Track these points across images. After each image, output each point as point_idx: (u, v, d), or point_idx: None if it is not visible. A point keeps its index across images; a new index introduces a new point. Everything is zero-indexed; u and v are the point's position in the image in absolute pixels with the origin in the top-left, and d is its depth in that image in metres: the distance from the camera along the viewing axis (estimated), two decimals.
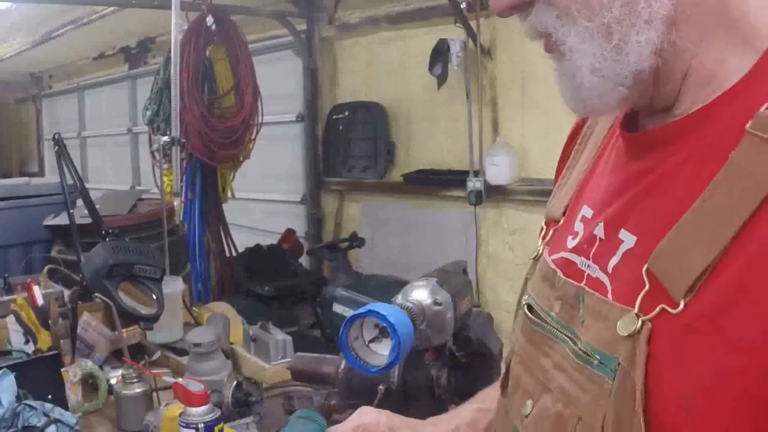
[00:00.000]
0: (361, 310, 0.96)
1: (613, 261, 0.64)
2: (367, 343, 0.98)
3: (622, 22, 0.60)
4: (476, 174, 3.85)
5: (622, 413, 0.58)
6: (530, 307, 0.76)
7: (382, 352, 0.98)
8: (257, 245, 4.64)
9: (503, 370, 0.82)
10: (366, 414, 1.01)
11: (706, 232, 0.55)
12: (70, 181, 2.32)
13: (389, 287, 3.33)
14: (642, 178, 0.65)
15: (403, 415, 1.03)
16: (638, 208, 0.64)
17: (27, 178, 4.03)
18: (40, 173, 8.57)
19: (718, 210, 0.55)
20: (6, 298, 2.18)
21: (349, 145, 4.79)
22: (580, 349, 0.64)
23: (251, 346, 2.05)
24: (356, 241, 4.25)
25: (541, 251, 0.80)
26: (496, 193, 3.82)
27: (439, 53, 3.82)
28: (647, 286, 0.59)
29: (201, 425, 1.29)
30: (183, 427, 1.31)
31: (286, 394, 1.74)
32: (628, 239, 0.64)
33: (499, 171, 3.75)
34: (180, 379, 1.40)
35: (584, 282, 0.67)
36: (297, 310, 4.28)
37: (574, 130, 0.88)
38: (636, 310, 0.58)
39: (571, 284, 0.69)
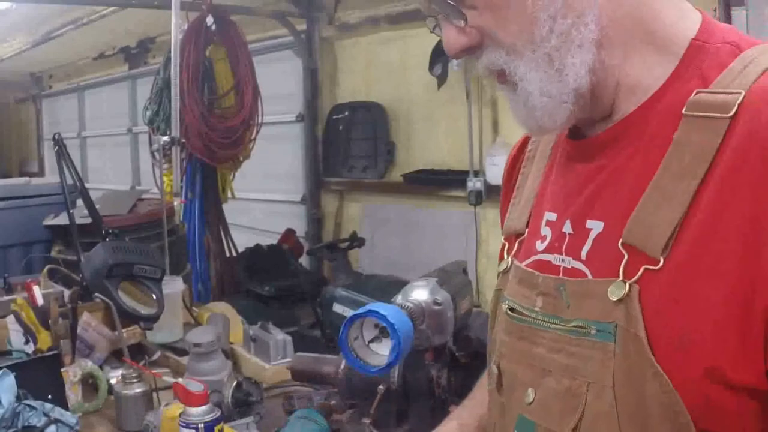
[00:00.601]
0: (361, 310, 0.96)
1: (586, 248, 0.74)
2: (367, 343, 0.98)
3: (560, 49, 0.71)
4: (476, 174, 3.85)
5: (632, 365, 0.66)
6: (512, 309, 0.82)
7: (382, 352, 0.98)
8: (257, 245, 4.64)
9: (494, 373, 0.86)
10: None
11: (669, 199, 0.66)
12: (70, 181, 2.32)
13: (389, 287, 3.33)
14: (597, 175, 0.75)
15: (403, 415, 1.04)
16: (599, 199, 0.74)
17: (27, 178, 4.03)
18: (40, 173, 8.57)
19: (675, 179, 0.67)
20: (6, 298, 2.18)
21: (349, 145, 4.79)
22: (573, 326, 0.72)
23: (251, 346, 2.05)
24: (356, 241, 4.25)
25: (510, 263, 0.88)
26: (496, 193, 3.82)
27: (439, 53, 3.82)
28: (626, 257, 0.68)
29: (201, 425, 1.30)
30: (183, 427, 1.31)
31: (286, 394, 1.74)
32: (595, 226, 0.73)
33: (499, 171, 3.70)
34: (180, 379, 1.40)
35: (561, 274, 0.76)
36: (297, 310, 4.28)
37: (514, 157, 0.99)
38: (621, 277, 0.68)
39: (550, 278, 0.77)
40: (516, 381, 0.81)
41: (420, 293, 1.15)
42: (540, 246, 0.81)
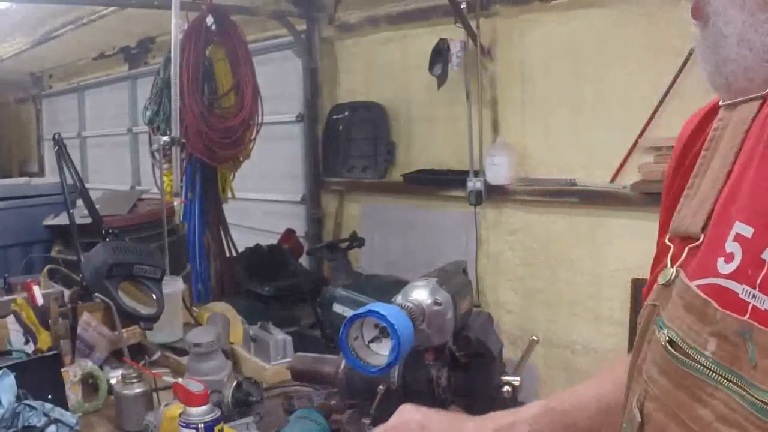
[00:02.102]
0: (361, 310, 0.96)
1: None
2: (367, 343, 0.98)
3: None
4: (476, 174, 3.85)
5: None
6: (672, 342, 0.63)
7: (382, 352, 0.98)
8: (257, 245, 4.64)
9: (635, 419, 0.68)
10: (404, 413, 0.96)
11: None
12: (70, 181, 2.32)
13: (389, 287, 3.33)
14: None
15: None
16: None
17: (27, 178, 4.04)
18: (40, 173, 8.57)
19: None
20: (6, 298, 2.18)
21: (349, 145, 4.79)
22: (758, 399, 0.53)
23: (251, 346, 2.05)
24: (356, 241, 4.25)
25: (674, 276, 0.66)
26: (496, 193, 3.82)
27: (439, 53, 3.82)
28: None
29: (201, 425, 1.29)
30: (183, 427, 1.31)
31: (286, 394, 1.74)
32: None
33: (499, 171, 3.75)
34: (180, 379, 1.40)
35: (748, 315, 0.56)
36: (297, 310, 4.28)
37: (694, 132, 0.74)
38: None
39: (732, 318, 0.57)
40: None
41: (420, 293, 1.14)
42: (724, 268, 0.60)
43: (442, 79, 3.86)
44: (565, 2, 3.43)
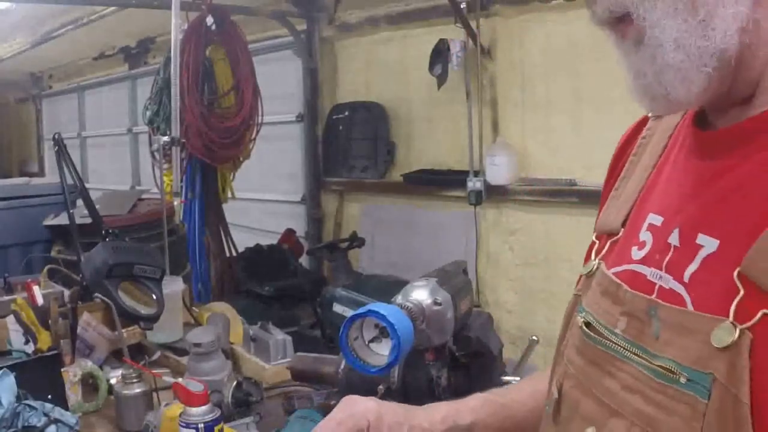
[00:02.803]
0: (361, 310, 0.96)
1: (691, 269, 0.60)
2: (367, 343, 0.98)
3: None
4: (476, 174, 3.85)
5: None
6: (588, 324, 0.70)
7: (382, 352, 0.98)
8: (257, 245, 4.64)
9: (553, 396, 0.74)
10: (353, 404, 0.92)
11: None
12: (70, 181, 2.32)
13: (389, 287, 3.32)
14: (719, 179, 0.60)
15: None
16: (717, 210, 0.59)
17: (27, 178, 4.04)
18: (40, 173, 8.57)
19: None
20: (6, 298, 2.18)
21: (349, 145, 4.79)
22: (659, 366, 0.59)
23: (251, 346, 2.05)
24: (356, 241, 4.25)
25: (596, 266, 0.74)
26: (496, 193, 3.82)
27: (439, 53, 3.82)
28: (741, 292, 0.54)
29: (201, 425, 1.29)
30: (183, 427, 1.31)
31: (286, 394, 1.74)
32: (708, 244, 0.59)
33: (499, 171, 3.75)
34: (180, 379, 1.40)
35: (655, 294, 0.62)
36: (297, 310, 4.29)
37: (626, 141, 0.82)
38: (731, 318, 0.54)
39: (640, 297, 0.63)
40: (577, 413, 0.69)
41: (420, 293, 1.14)
42: (636, 254, 0.67)
43: (442, 79, 3.86)
44: (564, 2, 3.43)
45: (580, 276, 0.78)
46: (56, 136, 2.30)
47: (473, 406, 0.93)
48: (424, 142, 4.36)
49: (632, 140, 0.80)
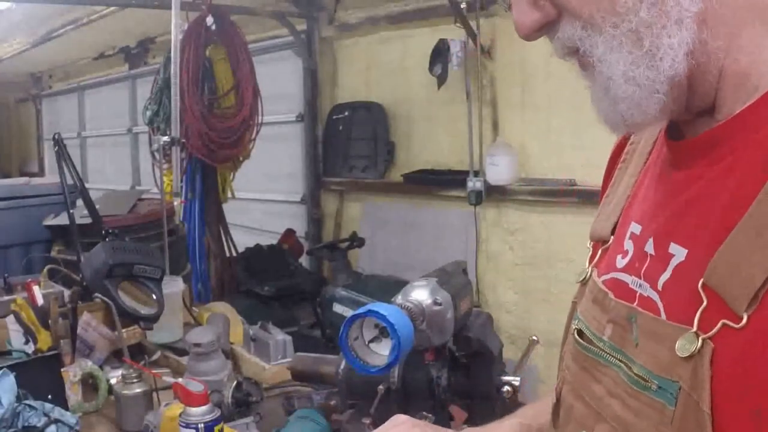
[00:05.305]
0: (361, 310, 0.96)
1: (664, 277, 0.61)
2: (367, 343, 0.98)
3: (651, 26, 0.57)
4: (476, 174, 3.85)
5: None
6: (580, 332, 0.72)
7: (382, 352, 0.98)
8: (257, 245, 4.64)
9: (552, 401, 0.77)
10: (398, 425, 0.92)
11: (765, 237, 0.52)
12: (70, 181, 2.32)
13: (389, 287, 3.33)
14: (687, 188, 0.62)
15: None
16: (686, 218, 0.61)
17: (27, 178, 4.03)
18: (40, 173, 8.57)
19: None
20: (6, 298, 2.18)
21: (349, 145, 4.80)
22: (635, 373, 0.60)
23: (251, 346, 2.05)
24: (356, 241, 4.25)
25: (589, 274, 0.76)
26: (496, 193, 3.82)
27: (439, 53, 3.82)
28: (705, 302, 0.55)
29: (201, 425, 1.29)
30: (183, 427, 1.31)
31: (286, 394, 1.74)
32: (678, 252, 0.60)
33: (499, 171, 3.75)
34: (180, 379, 1.40)
35: (636, 302, 0.64)
36: (297, 310, 4.29)
37: (617, 148, 0.83)
38: (694, 328, 0.55)
39: (622, 305, 0.65)
40: (572, 416, 0.71)
41: (420, 293, 1.14)
42: (620, 262, 0.69)
43: (442, 79, 3.86)
44: None
45: (578, 283, 0.80)
46: (56, 136, 2.30)
47: None
48: (424, 142, 4.36)
49: (623, 146, 0.81)
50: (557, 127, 3.54)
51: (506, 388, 1.26)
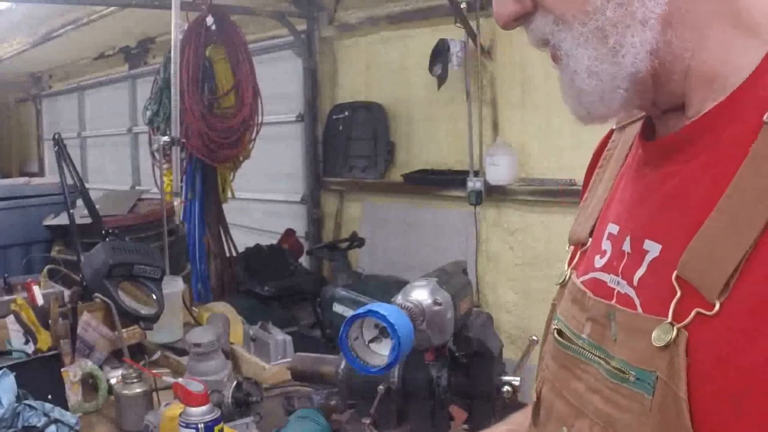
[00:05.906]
0: (360, 310, 0.96)
1: (639, 273, 0.63)
2: (367, 343, 0.98)
3: (617, 25, 0.60)
4: (476, 174, 3.85)
5: (667, 429, 0.56)
6: (560, 332, 0.74)
7: (382, 352, 0.97)
8: (257, 245, 4.64)
9: (532, 400, 0.78)
10: None
11: (735, 228, 0.54)
12: (70, 181, 2.32)
13: (389, 287, 3.33)
14: (661, 186, 0.64)
15: (403, 415, 1.03)
16: (661, 216, 0.63)
17: (27, 178, 4.03)
18: (40, 173, 8.58)
19: (747, 202, 0.54)
20: (6, 298, 2.18)
21: (349, 145, 4.80)
22: (614, 367, 0.62)
23: (251, 346, 2.05)
24: (356, 241, 4.25)
25: (568, 276, 0.79)
26: (496, 193, 3.82)
27: (439, 53, 3.82)
28: (679, 293, 0.57)
29: (201, 425, 1.29)
30: (183, 427, 1.31)
31: (286, 394, 1.74)
32: (652, 248, 0.62)
33: (499, 171, 3.75)
34: (180, 379, 1.40)
35: (614, 299, 0.66)
36: (297, 310, 4.29)
37: (596, 154, 0.86)
38: (669, 318, 0.57)
39: (601, 303, 0.67)
40: (552, 414, 0.73)
41: (420, 293, 1.14)
42: (599, 262, 0.71)
43: (442, 79, 3.86)
44: None
45: (557, 285, 0.82)
46: (56, 136, 2.30)
47: None
48: (424, 142, 4.36)
49: (600, 152, 0.85)
50: (557, 127, 3.54)
51: (506, 388, 1.26)
